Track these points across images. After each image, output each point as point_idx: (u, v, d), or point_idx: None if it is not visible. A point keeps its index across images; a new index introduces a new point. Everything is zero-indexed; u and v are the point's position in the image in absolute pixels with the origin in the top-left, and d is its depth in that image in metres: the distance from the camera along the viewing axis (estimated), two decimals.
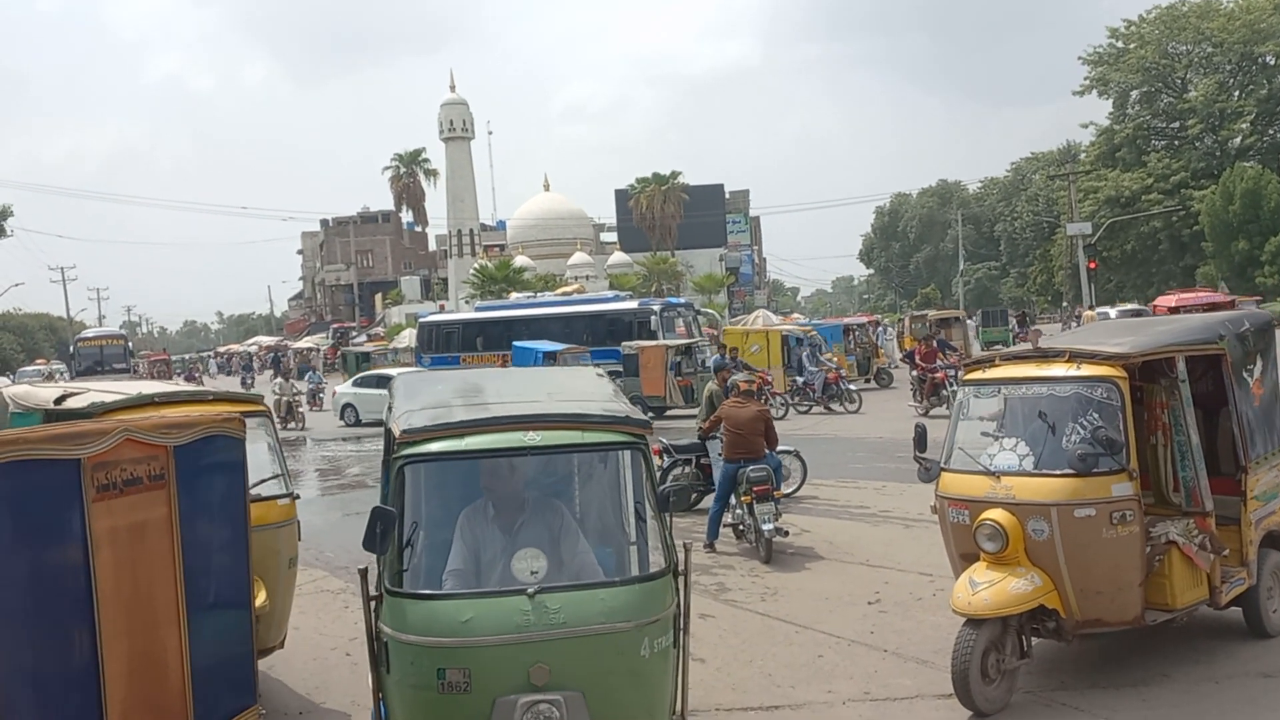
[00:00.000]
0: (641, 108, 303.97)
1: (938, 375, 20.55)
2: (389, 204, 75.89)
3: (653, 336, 28.25)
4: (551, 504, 4.79)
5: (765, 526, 9.44)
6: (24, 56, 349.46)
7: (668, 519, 4.54)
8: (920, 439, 6.61)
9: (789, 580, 8.82)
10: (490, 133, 71.62)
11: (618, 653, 4.12)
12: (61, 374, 57.24)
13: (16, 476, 2.88)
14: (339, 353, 62.22)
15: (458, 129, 64.64)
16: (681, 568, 4.42)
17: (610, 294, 38.31)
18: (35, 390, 7.46)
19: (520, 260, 53.82)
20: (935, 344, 21.71)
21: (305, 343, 62.27)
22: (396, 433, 4.46)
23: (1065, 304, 56.32)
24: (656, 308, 30.30)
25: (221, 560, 4.24)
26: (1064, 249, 64.15)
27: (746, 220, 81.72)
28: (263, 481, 6.92)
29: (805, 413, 22.71)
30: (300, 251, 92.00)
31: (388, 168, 70.38)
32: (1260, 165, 55.92)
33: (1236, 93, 60.47)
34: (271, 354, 60.68)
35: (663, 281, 56.90)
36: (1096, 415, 5.85)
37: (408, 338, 44.32)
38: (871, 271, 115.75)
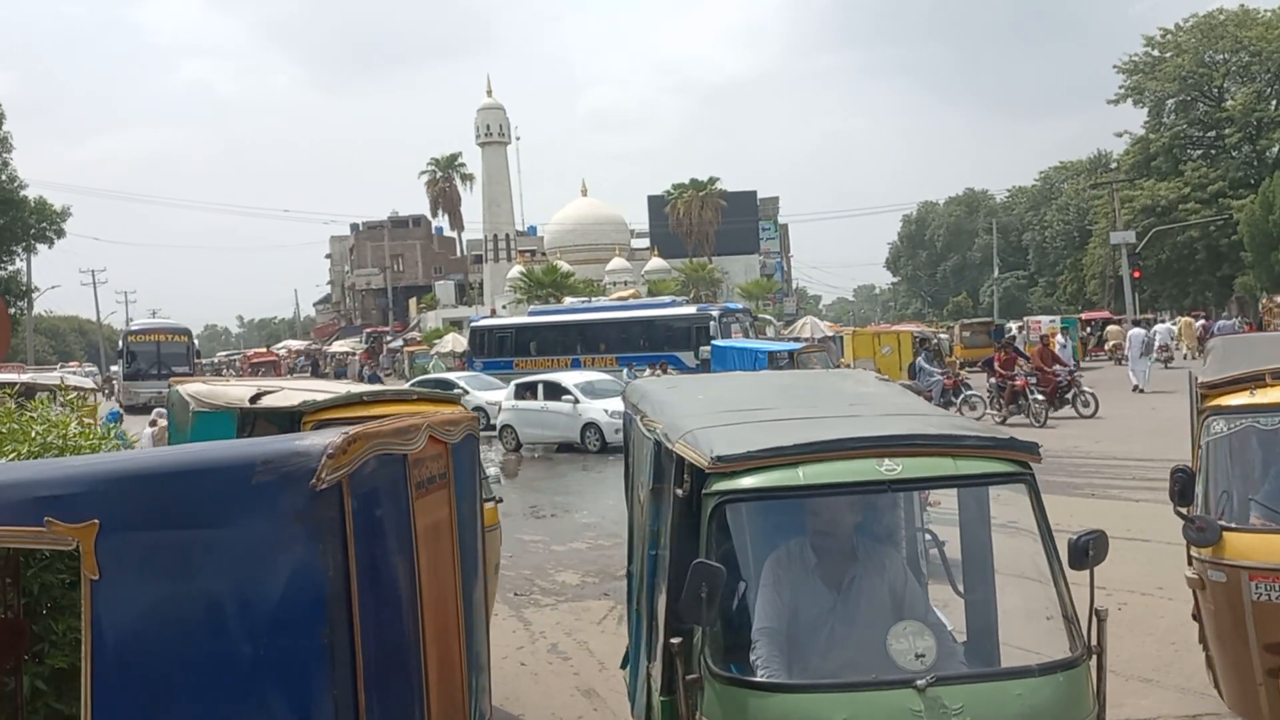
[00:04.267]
0: (665, 114, 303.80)
1: (1017, 383, 20.38)
2: (418, 208, 76.23)
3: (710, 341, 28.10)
4: (884, 550, 3.81)
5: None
6: (55, 59, 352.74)
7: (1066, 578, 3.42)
8: (1185, 489, 4.87)
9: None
10: (518, 138, 71.59)
11: None
12: (95, 376, 56.78)
13: None
14: (369, 355, 62.34)
15: (494, 134, 64.71)
16: (1096, 644, 3.33)
17: (667, 299, 38.20)
18: (223, 389, 7.02)
19: (563, 266, 53.89)
20: (1013, 351, 21.51)
21: (338, 346, 62.31)
22: (702, 459, 3.39)
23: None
24: (715, 313, 30.26)
25: (475, 561, 4.27)
26: (1097, 258, 63.75)
27: (776, 227, 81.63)
28: None
29: None
30: (328, 256, 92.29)
31: (424, 172, 70.60)
32: None
33: (1275, 102, 60.10)
34: (305, 358, 60.72)
35: (701, 288, 56.83)
36: None
37: (450, 341, 44.31)
38: (896, 279, 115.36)
